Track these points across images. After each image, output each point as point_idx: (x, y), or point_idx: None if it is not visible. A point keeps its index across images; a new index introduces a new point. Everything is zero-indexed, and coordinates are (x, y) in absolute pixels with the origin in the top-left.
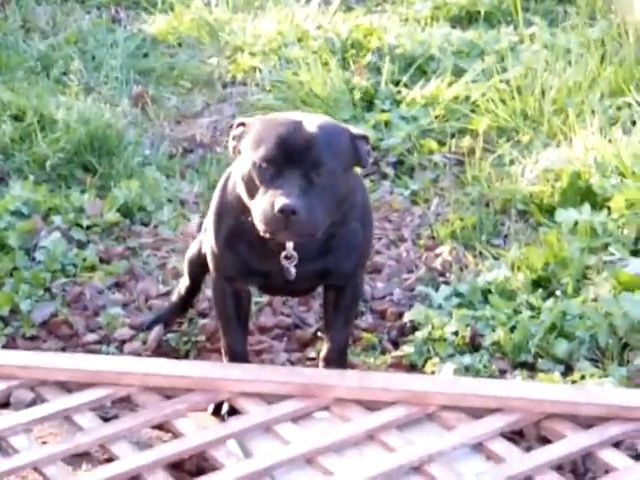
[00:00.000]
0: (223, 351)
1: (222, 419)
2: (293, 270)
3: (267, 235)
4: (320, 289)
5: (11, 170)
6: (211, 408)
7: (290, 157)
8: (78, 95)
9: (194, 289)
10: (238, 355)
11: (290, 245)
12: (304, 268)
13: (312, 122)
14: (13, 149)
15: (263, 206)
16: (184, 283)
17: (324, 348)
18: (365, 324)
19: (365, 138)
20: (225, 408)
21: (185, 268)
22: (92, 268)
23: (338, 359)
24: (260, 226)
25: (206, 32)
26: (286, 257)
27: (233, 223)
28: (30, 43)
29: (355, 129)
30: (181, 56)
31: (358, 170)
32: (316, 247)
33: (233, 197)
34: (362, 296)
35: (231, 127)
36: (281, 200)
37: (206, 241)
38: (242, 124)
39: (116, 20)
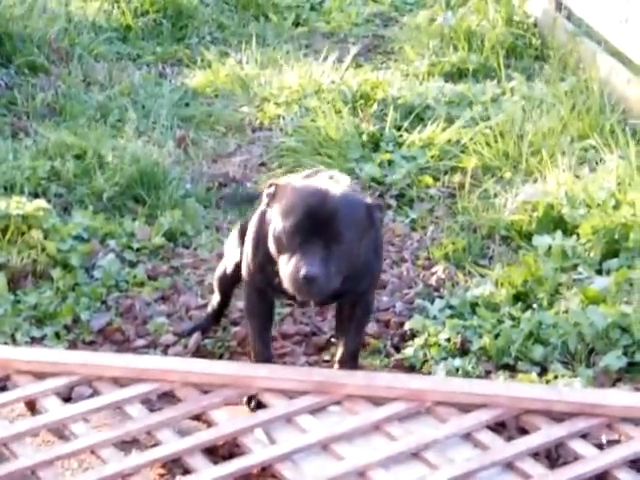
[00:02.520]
0: (252, 353)
1: (252, 411)
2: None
3: (293, 294)
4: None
5: (73, 201)
6: (245, 399)
7: (314, 228)
8: (130, 138)
9: (225, 302)
10: (265, 358)
11: None
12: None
13: (335, 195)
14: (75, 183)
15: (290, 270)
16: (215, 298)
17: (338, 352)
18: (372, 332)
19: (379, 207)
20: (253, 403)
21: (215, 286)
22: (141, 284)
23: (350, 361)
24: (287, 285)
25: (238, 85)
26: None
27: (266, 251)
28: (90, 94)
29: (370, 199)
30: (217, 105)
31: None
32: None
33: (266, 231)
34: (372, 310)
35: (261, 164)
36: (305, 269)
37: (244, 260)
38: (275, 185)
39: (162, 75)
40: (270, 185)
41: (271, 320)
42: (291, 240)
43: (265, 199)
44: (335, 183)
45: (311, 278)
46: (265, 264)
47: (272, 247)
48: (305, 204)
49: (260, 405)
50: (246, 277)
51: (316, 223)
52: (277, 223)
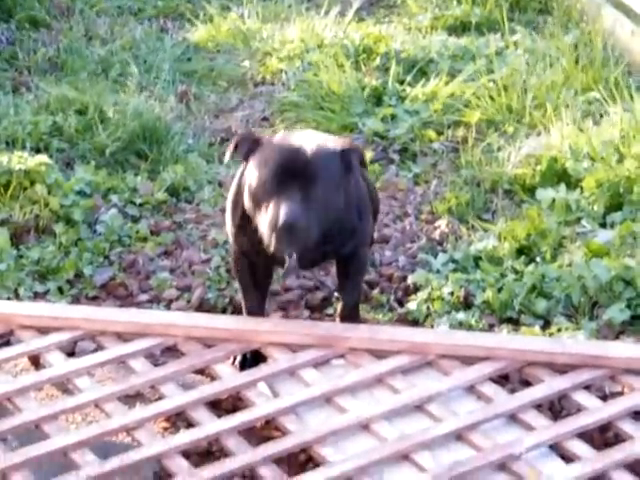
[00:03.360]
0: (243, 310)
1: (240, 369)
2: (290, 261)
3: (273, 247)
4: None
5: (76, 157)
6: (238, 361)
7: (290, 175)
8: (132, 93)
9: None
10: (254, 313)
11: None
12: (305, 254)
13: (309, 146)
14: (77, 139)
15: (268, 219)
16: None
17: (339, 307)
18: (375, 286)
19: (355, 150)
20: (238, 359)
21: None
22: (144, 239)
23: (350, 315)
24: (266, 239)
25: (240, 40)
26: (284, 268)
27: (244, 211)
28: (92, 49)
29: (346, 143)
30: (219, 60)
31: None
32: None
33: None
34: (366, 266)
35: (264, 119)
36: (284, 214)
37: (226, 222)
38: (248, 139)
39: (164, 30)
40: (242, 138)
41: (265, 278)
42: (267, 190)
43: (240, 152)
44: (309, 136)
45: (291, 223)
46: (245, 225)
47: (249, 204)
48: (280, 154)
49: (263, 359)
50: (229, 235)
51: (291, 170)
52: (252, 177)
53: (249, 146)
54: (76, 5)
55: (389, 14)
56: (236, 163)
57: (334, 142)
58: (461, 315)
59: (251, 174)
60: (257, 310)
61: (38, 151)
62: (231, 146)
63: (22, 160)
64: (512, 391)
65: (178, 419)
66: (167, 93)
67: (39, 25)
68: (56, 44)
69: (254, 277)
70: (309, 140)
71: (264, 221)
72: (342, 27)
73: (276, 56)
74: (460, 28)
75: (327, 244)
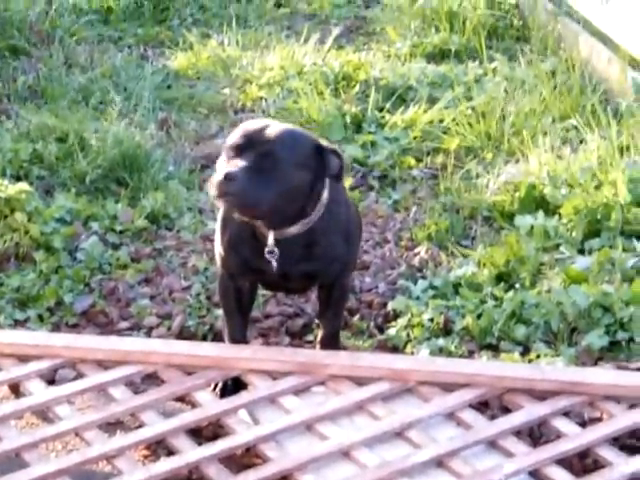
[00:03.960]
0: (225, 336)
1: (220, 396)
2: (275, 264)
3: (214, 200)
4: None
5: (56, 184)
6: (219, 388)
7: (250, 145)
8: (113, 121)
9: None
10: (236, 340)
11: (271, 242)
12: (292, 271)
13: (279, 125)
14: (57, 166)
15: (215, 176)
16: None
17: (319, 334)
18: (355, 312)
19: (335, 152)
20: (219, 386)
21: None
22: (124, 266)
23: (331, 343)
24: (211, 193)
25: (220, 67)
26: (269, 252)
27: (235, 229)
28: (72, 77)
29: (327, 144)
30: (199, 87)
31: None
32: (299, 250)
33: None
34: (348, 294)
35: None
36: (226, 169)
37: (216, 239)
38: None
39: (144, 57)
40: None
41: (248, 304)
42: (225, 155)
43: None
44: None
45: (228, 176)
46: (234, 241)
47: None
48: (247, 127)
49: (244, 386)
50: (218, 258)
51: (252, 140)
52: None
53: None
54: (56, 33)
55: (368, 42)
56: None
57: (313, 136)
58: (441, 341)
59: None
60: (240, 336)
61: (18, 179)
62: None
63: (2, 188)
64: (492, 417)
65: (159, 447)
66: (147, 120)
67: (19, 53)
68: (36, 72)
69: (239, 302)
70: (286, 125)
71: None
72: (322, 55)
73: (256, 83)
74: (439, 55)
75: (312, 262)
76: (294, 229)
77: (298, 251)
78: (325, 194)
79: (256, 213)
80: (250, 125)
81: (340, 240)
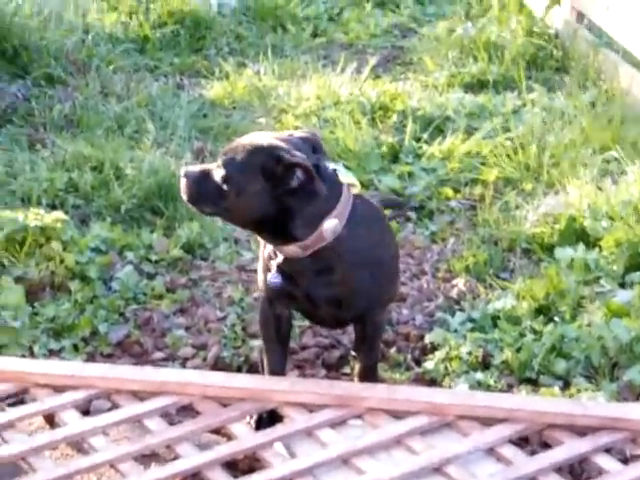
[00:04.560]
0: (263, 367)
1: (255, 428)
2: (271, 278)
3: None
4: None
5: (91, 213)
6: (254, 420)
7: (222, 154)
8: (148, 150)
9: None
10: (276, 372)
11: (274, 261)
12: (314, 292)
13: (252, 138)
14: (93, 195)
15: None
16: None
17: (356, 366)
18: (392, 344)
19: (299, 166)
20: (254, 419)
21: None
22: (160, 296)
23: (368, 375)
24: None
25: (256, 96)
26: (269, 258)
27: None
28: (107, 106)
29: (296, 158)
30: (235, 117)
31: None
32: (313, 274)
33: None
34: (382, 330)
35: None
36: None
37: (258, 267)
38: None
39: (180, 86)
40: None
41: (286, 334)
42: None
43: None
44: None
45: (182, 173)
46: (267, 263)
47: None
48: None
49: (280, 419)
50: (259, 284)
51: (225, 151)
52: None
53: None
54: (92, 62)
55: (405, 71)
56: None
57: (278, 148)
58: (479, 375)
59: None
60: (279, 368)
61: (54, 207)
62: None
63: (38, 217)
64: (532, 453)
65: (194, 479)
66: (183, 149)
67: (55, 82)
68: (72, 100)
69: (279, 331)
70: (261, 136)
71: None
72: (358, 84)
73: (292, 113)
74: (477, 86)
75: (332, 286)
76: (292, 250)
77: (313, 275)
78: (333, 222)
79: (198, 206)
80: (235, 141)
81: (364, 274)
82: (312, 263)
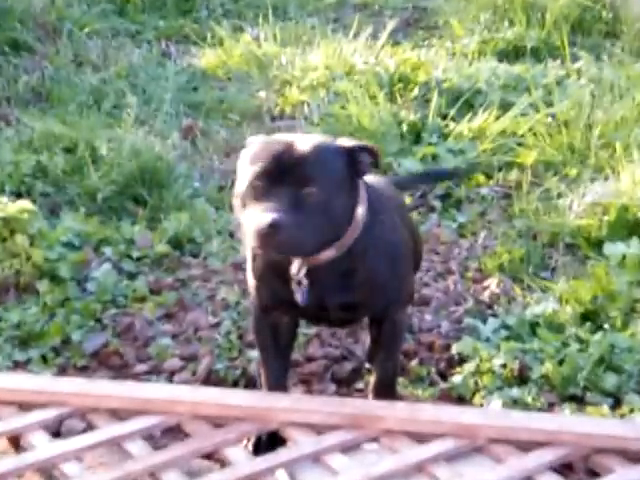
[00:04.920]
0: (261, 383)
1: (253, 453)
2: (300, 296)
3: (257, 250)
4: (366, 321)
5: (63, 202)
6: (252, 444)
7: (280, 175)
8: (129, 128)
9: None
10: (274, 386)
11: (302, 273)
12: (329, 302)
13: (305, 142)
14: (65, 181)
15: (250, 221)
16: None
17: (371, 380)
18: (413, 356)
19: (366, 149)
20: (252, 441)
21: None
22: (142, 299)
23: (385, 391)
24: (250, 241)
25: (255, 66)
26: (298, 283)
27: (265, 257)
28: (82, 77)
29: (355, 142)
30: (230, 90)
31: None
32: (334, 279)
33: None
34: (403, 332)
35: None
36: (265, 215)
37: (247, 271)
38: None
39: (166, 54)
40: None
41: (288, 343)
42: (253, 190)
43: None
44: (314, 136)
45: (273, 224)
46: (265, 269)
47: (236, 207)
48: (269, 149)
49: (282, 442)
50: (251, 290)
51: (281, 168)
52: (239, 176)
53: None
54: (64, 26)
55: (429, 37)
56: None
57: (338, 141)
58: (515, 392)
59: (239, 173)
60: (278, 383)
61: (19, 196)
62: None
63: (1, 206)
64: None
65: None
66: (170, 128)
67: (21, 49)
68: (41, 71)
69: (276, 341)
70: (308, 138)
71: (246, 223)
72: (374, 52)
73: (297, 85)
74: (513, 53)
75: (347, 290)
76: (328, 254)
77: (333, 280)
78: (361, 209)
79: (303, 253)
80: (272, 146)
81: (384, 266)
82: (337, 264)
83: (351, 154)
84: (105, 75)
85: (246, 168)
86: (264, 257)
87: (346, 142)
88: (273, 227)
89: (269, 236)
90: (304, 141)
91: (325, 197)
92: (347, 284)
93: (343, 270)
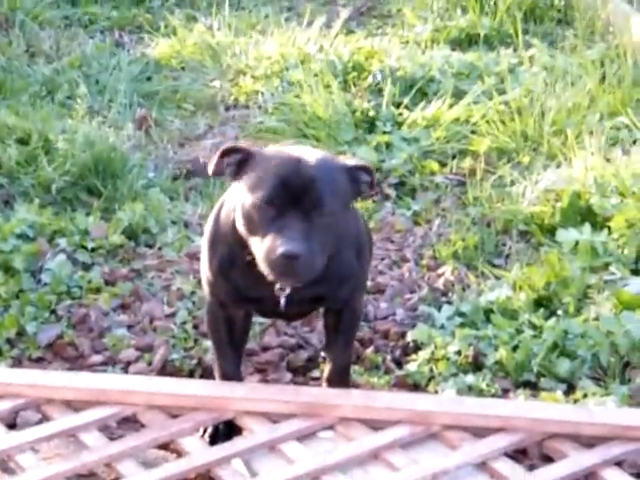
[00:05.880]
0: (216, 373)
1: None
2: (284, 300)
3: (271, 278)
4: (321, 310)
5: (16, 193)
6: (208, 434)
7: (291, 198)
8: (83, 119)
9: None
10: (229, 377)
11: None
12: (297, 296)
13: (311, 161)
14: (18, 172)
15: (266, 250)
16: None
17: (326, 368)
18: (368, 344)
19: (365, 169)
20: (209, 431)
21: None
22: (97, 290)
23: (340, 379)
24: (265, 269)
25: (209, 55)
26: (281, 289)
27: (226, 251)
28: (34, 67)
29: (354, 161)
30: (184, 79)
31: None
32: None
33: (226, 226)
34: (360, 319)
35: (224, 153)
36: (284, 245)
37: (202, 264)
38: (236, 150)
39: (119, 44)
40: (229, 151)
41: (242, 335)
42: (264, 215)
43: (229, 169)
44: (311, 149)
45: (292, 255)
46: (225, 266)
47: (243, 228)
48: (278, 171)
49: (238, 431)
50: (205, 282)
51: (291, 191)
52: (245, 199)
53: (239, 160)
54: (16, 16)
55: (383, 25)
56: (204, 201)
57: (339, 158)
58: (470, 378)
59: (244, 195)
60: (233, 373)
61: None
62: (215, 159)
63: None
64: (531, 468)
65: None
66: (124, 118)
67: None
68: None
69: (230, 333)
70: (311, 154)
71: (261, 251)
72: (328, 40)
73: (251, 75)
74: (466, 41)
75: (322, 284)
76: None
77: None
78: None
79: (315, 275)
80: (281, 168)
81: (351, 257)
82: None
83: (352, 173)
84: (58, 65)
85: (250, 191)
86: (228, 247)
87: (348, 160)
88: (289, 258)
89: (285, 266)
90: (310, 159)
91: (334, 218)
92: (318, 278)
93: None
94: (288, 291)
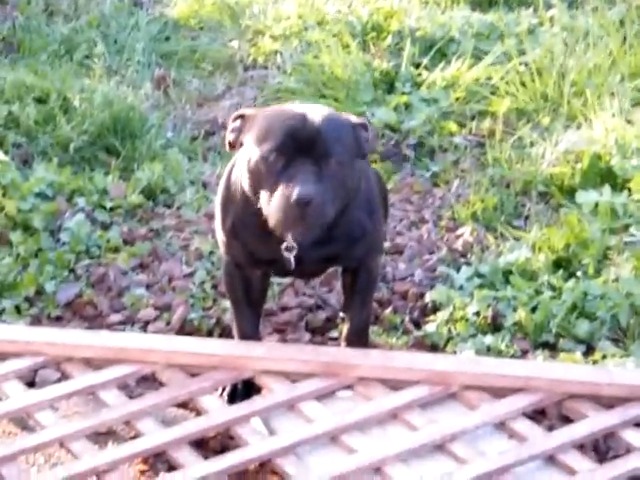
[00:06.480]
0: (234, 332)
1: (228, 402)
2: (293, 260)
3: (281, 230)
4: (339, 270)
5: (35, 152)
6: (227, 392)
7: (299, 148)
8: (101, 78)
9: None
10: (247, 336)
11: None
12: (308, 256)
13: (317, 113)
14: (37, 132)
15: (278, 198)
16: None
17: (345, 328)
18: (387, 304)
19: (363, 126)
20: (227, 390)
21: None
22: (116, 249)
23: (358, 339)
24: (274, 221)
25: (227, 15)
26: (287, 249)
27: (238, 212)
28: (53, 27)
29: (353, 117)
30: (202, 39)
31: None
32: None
33: (238, 187)
34: (377, 279)
35: (232, 121)
36: (298, 188)
37: (216, 227)
38: (241, 116)
39: (138, 3)
40: (236, 117)
41: (258, 293)
42: (273, 165)
43: (230, 135)
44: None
45: (306, 199)
46: (238, 226)
47: (249, 185)
48: (284, 122)
49: (257, 390)
50: (220, 243)
51: (300, 141)
52: (252, 152)
53: (242, 124)
54: None
55: None
56: (223, 161)
57: (340, 114)
58: (489, 339)
59: (251, 149)
60: (251, 332)
61: None
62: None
63: None
64: (550, 428)
65: (158, 460)
66: (142, 78)
67: None
68: (12, 21)
69: (248, 293)
70: (315, 109)
71: (272, 203)
72: (347, 0)
73: (269, 35)
74: (486, 2)
75: (331, 243)
76: None
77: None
78: None
79: (324, 226)
80: (287, 119)
81: (363, 216)
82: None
83: (354, 128)
84: (76, 25)
85: (257, 144)
86: (241, 209)
87: (351, 117)
88: (303, 202)
89: (300, 212)
90: (315, 113)
91: (343, 170)
92: (328, 238)
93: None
94: (295, 252)
